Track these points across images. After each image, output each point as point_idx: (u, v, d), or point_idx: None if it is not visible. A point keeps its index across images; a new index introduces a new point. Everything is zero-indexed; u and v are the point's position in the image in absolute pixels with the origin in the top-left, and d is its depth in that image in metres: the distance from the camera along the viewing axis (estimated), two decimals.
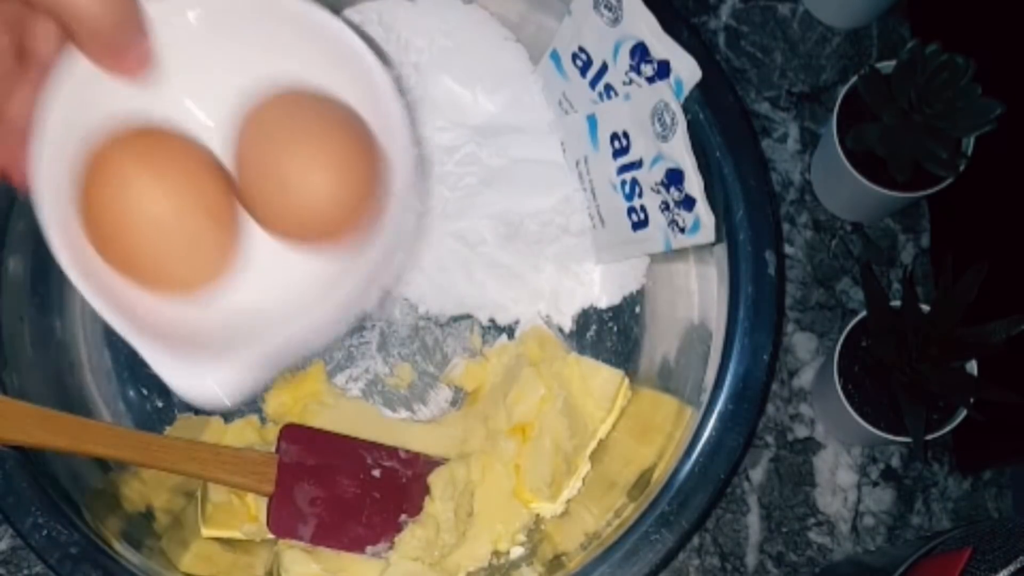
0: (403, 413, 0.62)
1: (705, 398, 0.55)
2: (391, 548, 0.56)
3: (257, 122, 0.39)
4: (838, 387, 0.59)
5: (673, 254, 0.58)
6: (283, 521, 0.56)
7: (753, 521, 0.64)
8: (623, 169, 0.57)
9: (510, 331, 0.63)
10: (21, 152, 0.36)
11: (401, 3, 0.64)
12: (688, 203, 0.53)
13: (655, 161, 0.55)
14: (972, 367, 0.57)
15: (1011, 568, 0.47)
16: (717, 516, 0.64)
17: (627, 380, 0.60)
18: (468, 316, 0.63)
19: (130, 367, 0.62)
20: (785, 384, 0.66)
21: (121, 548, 0.53)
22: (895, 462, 0.65)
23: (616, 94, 0.58)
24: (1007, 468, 0.65)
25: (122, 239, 0.37)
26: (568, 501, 0.59)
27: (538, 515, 0.59)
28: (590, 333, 0.64)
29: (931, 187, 0.59)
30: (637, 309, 0.64)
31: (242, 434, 0.59)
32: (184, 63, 0.39)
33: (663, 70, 0.55)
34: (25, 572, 0.60)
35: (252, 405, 0.61)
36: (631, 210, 0.58)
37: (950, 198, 0.61)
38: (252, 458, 0.55)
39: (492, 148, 0.63)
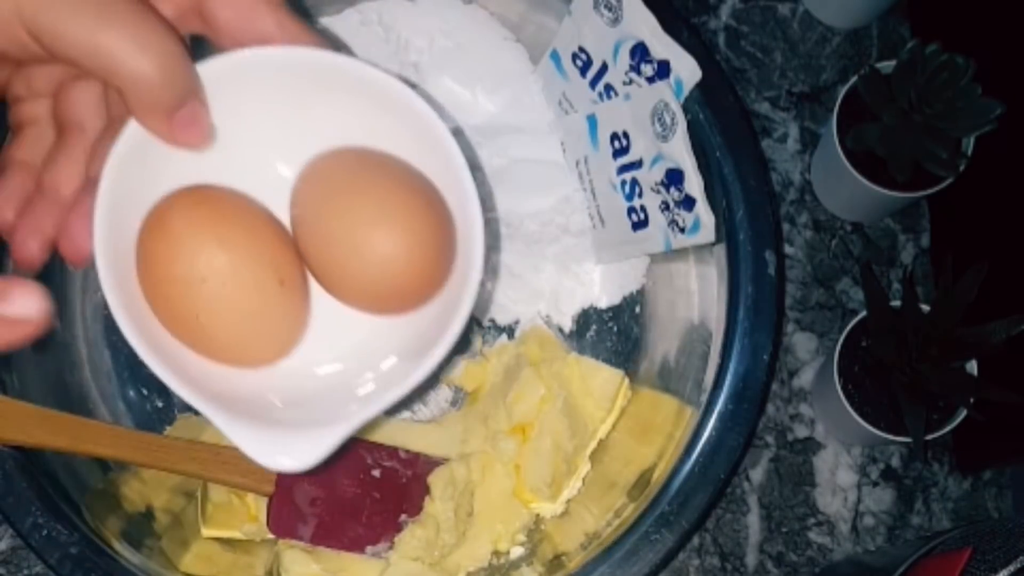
0: (403, 413, 0.62)
1: (705, 398, 0.55)
2: (391, 548, 0.56)
3: (322, 180, 0.37)
4: (838, 387, 0.59)
5: (673, 254, 0.58)
6: (283, 521, 0.56)
7: (753, 521, 0.64)
8: (623, 169, 0.57)
9: (510, 331, 0.63)
10: (70, 224, 0.35)
11: (401, 3, 0.64)
12: (688, 203, 0.53)
13: (655, 161, 0.55)
14: (972, 367, 0.57)
15: (1011, 568, 0.47)
16: (717, 516, 0.64)
17: (627, 380, 0.60)
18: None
19: (130, 367, 0.62)
20: (785, 384, 0.66)
21: (121, 548, 0.53)
22: (895, 462, 0.65)
23: (616, 94, 0.58)
24: (1007, 468, 0.65)
25: (184, 306, 0.35)
26: (568, 501, 0.59)
27: (538, 515, 0.59)
28: (590, 333, 0.64)
29: (931, 187, 0.59)
30: (637, 309, 0.64)
31: None
32: (249, 129, 0.37)
33: (663, 70, 0.55)
34: (25, 572, 0.60)
35: None
36: (631, 210, 0.58)
37: (950, 198, 0.61)
38: None
39: (492, 148, 0.63)
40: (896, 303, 0.58)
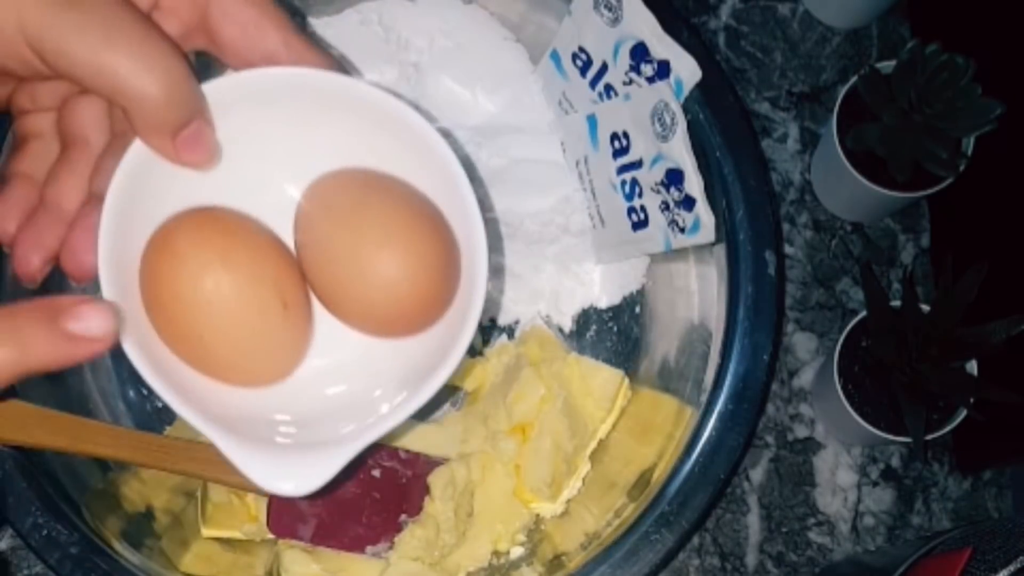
0: None
1: (705, 398, 0.55)
2: (391, 548, 0.56)
3: (326, 203, 0.37)
4: (838, 387, 0.59)
5: (673, 254, 0.58)
6: (283, 521, 0.56)
7: (753, 521, 0.64)
8: (623, 169, 0.57)
9: (510, 331, 0.63)
10: (72, 238, 0.35)
11: (401, 3, 0.64)
12: (688, 203, 0.53)
13: (655, 161, 0.55)
14: (972, 367, 0.57)
15: (1011, 568, 0.47)
16: (717, 516, 0.64)
17: (627, 380, 0.60)
18: None
19: (130, 367, 0.61)
20: (785, 384, 0.66)
21: (121, 548, 0.53)
22: (895, 462, 0.65)
23: (616, 94, 0.58)
24: (1007, 468, 0.65)
25: (188, 326, 0.35)
26: (568, 501, 0.59)
27: (538, 515, 0.59)
28: (590, 333, 0.64)
29: (931, 187, 0.59)
30: (637, 309, 0.64)
31: None
32: (254, 148, 0.37)
33: (663, 70, 0.55)
34: (25, 572, 0.60)
35: None
36: (631, 210, 0.58)
37: (950, 198, 0.61)
38: None
39: (492, 148, 0.63)
40: (896, 303, 0.58)
